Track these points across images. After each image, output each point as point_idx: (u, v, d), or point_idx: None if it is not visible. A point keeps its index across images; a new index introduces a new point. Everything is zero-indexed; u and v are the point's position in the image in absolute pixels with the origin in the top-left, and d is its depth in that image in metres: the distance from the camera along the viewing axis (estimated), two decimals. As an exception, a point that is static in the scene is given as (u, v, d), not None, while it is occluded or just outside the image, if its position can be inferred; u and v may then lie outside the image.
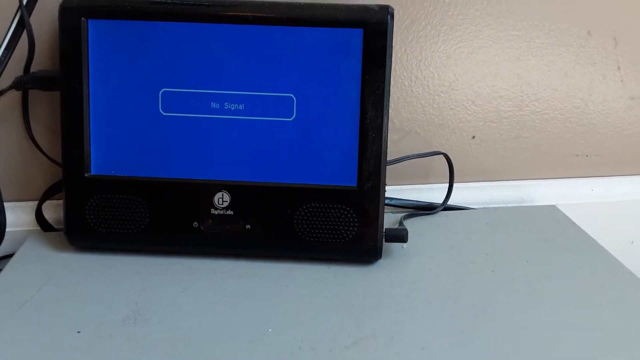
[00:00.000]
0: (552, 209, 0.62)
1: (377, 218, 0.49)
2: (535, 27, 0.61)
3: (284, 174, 0.50)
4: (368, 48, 0.48)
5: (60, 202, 0.52)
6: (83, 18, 0.48)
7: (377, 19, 0.48)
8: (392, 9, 0.48)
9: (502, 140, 0.65)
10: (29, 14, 0.52)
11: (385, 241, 0.51)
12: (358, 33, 0.48)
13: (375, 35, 0.48)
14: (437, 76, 0.62)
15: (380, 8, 0.48)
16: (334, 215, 0.50)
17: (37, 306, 0.45)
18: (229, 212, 0.50)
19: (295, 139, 0.50)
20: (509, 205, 0.65)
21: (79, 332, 0.42)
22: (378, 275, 0.49)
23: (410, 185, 0.64)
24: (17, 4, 0.51)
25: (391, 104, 0.59)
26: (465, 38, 0.61)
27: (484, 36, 0.61)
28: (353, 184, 0.50)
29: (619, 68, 0.64)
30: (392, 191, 0.62)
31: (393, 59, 0.49)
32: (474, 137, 0.64)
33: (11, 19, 0.52)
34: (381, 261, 0.51)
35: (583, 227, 0.58)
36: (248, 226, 0.50)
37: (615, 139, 0.66)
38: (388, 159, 0.51)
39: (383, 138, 0.49)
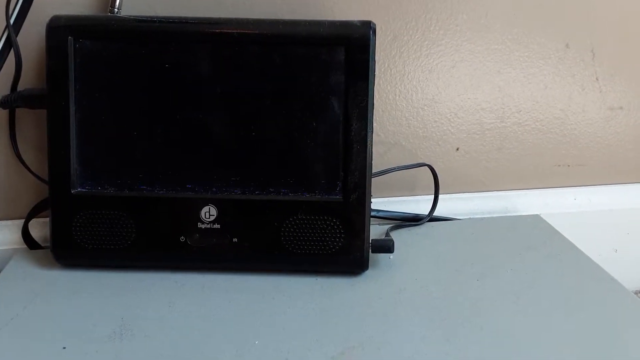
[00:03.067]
0: (536, 218, 0.63)
1: (364, 229, 0.50)
2: (514, 41, 0.63)
3: (270, 187, 0.50)
4: (351, 62, 0.49)
5: (47, 220, 0.52)
6: (70, 37, 0.49)
7: (359, 34, 0.49)
8: (374, 25, 0.49)
9: (486, 151, 0.66)
10: (16, 33, 0.53)
11: (372, 252, 0.51)
12: (341, 48, 0.49)
13: (358, 50, 0.49)
14: (420, 90, 0.63)
15: (363, 24, 0.49)
16: (321, 228, 0.50)
17: (23, 323, 0.44)
18: (216, 226, 0.50)
19: (281, 152, 0.50)
20: (494, 215, 0.66)
21: (64, 348, 0.41)
22: (365, 286, 0.50)
23: (396, 197, 0.65)
24: (4, 23, 0.52)
25: (376, 118, 0.60)
26: (447, 52, 0.62)
27: (464, 50, 0.62)
28: (339, 196, 0.50)
29: (597, 79, 0.66)
30: (379, 203, 0.63)
31: (377, 73, 0.50)
32: (457, 149, 0.65)
33: (-2, 38, 0.52)
34: (368, 272, 0.52)
35: (567, 236, 0.59)
36: (235, 240, 0.50)
37: (596, 149, 0.68)
38: (373, 171, 0.51)
39: (367, 150, 0.50)
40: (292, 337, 0.43)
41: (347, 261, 0.51)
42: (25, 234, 0.57)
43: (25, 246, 0.58)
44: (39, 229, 0.58)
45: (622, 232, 0.69)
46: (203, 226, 0.50)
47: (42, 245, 0.58)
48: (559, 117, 0.66)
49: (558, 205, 0.67)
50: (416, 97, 0.63)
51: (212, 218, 0.50)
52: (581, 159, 0.68)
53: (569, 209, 0.68)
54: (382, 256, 0.54)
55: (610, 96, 0.66)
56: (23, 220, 0.57)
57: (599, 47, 0.65)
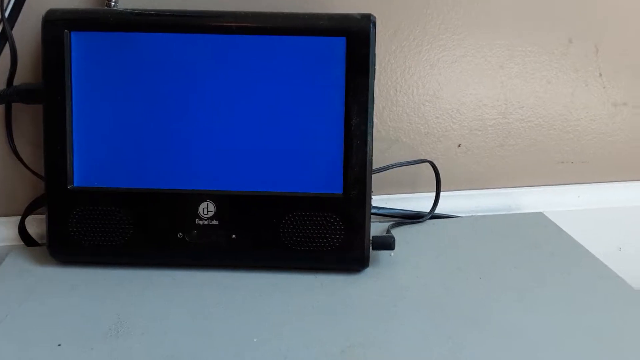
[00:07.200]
0: (539, 216, 0.62)
1: (364, 225, 0.49)
2: (517, 36, 0.62)
3: (269, 182, 0.50)
4: (351, 56, 0.48)
5: (44, 217, 0.51)
6: (66, 30, 0.48)
7: (359, 27, 0.48)
8: (374, 17, 0.49)
9: (488, 148, 0.65)
10: (12, 27, 0.52)
11: (373, 249, 0.50)
12: (341, 41, 0.48)
13: (358, 43, 0.48)
14: (422, 85, 0.62)
15: (363, 16, 0.49)
16: (320, 224, 0.49)
17: (18, 320, 0.44)
18: (214, 222, 0.49)
19: (280, 147, 0.49)
20: (496, 212, 0.65)
21: (59, 345, 0.41)
22: (366, 284, 0.49)
23: (397, 195, 0.64)
24: None
25: (377, 113, 0.59)
26: (448, 47, 0.61)
27: (466, 45, 0.62)
28: (339, 191, 0.49)
29: (600, 75, 0.65)
30: (380, 200, 0.62)
31: (377, 68, 0.50)
32: (459, 146, 0.64)
33: (-7, 32, 0.52)
34: (369, 269, 0.51)
35: (570, 234, 0.58)
36: (233, 236, 0.50)
37: (599, 146, 0.67)
38: (374, 167, 0.50)
39: (368, 145, 0.49)
40: (291, 335, 0.42)
41: (348, 258, 0.50)
42: (22, 230, 0.57)
43: (22, 243, 0.57)
44: (36, 225, 0.58)
45: (627, 229, 0.68)
46: (201, 222, 0.49)
47: (39, 242, 0.57)
48: (562, 113, 0.65)
49: (561, 203, 0.66)
50: (417, 93, 0.62)
51: (210, 214, 0.49)
52: (585, 155, 0.67)
53: (572, 206, 0.67)
54: (382, 253, 0.53)
55: (614, 92, 0.66)
56: (19, 217, 0.57)
57: (602, 42, 0.64)
